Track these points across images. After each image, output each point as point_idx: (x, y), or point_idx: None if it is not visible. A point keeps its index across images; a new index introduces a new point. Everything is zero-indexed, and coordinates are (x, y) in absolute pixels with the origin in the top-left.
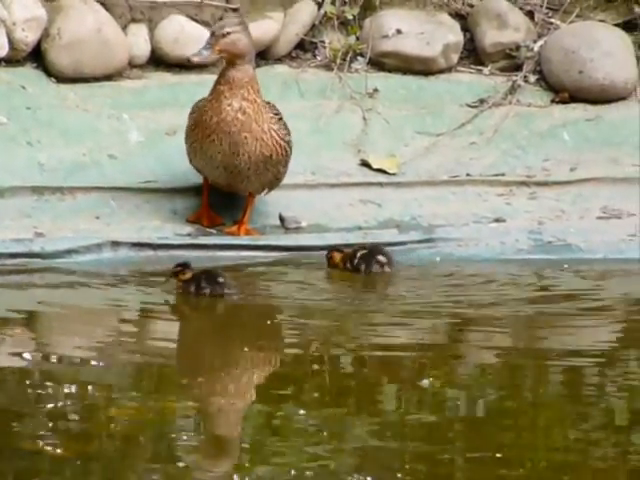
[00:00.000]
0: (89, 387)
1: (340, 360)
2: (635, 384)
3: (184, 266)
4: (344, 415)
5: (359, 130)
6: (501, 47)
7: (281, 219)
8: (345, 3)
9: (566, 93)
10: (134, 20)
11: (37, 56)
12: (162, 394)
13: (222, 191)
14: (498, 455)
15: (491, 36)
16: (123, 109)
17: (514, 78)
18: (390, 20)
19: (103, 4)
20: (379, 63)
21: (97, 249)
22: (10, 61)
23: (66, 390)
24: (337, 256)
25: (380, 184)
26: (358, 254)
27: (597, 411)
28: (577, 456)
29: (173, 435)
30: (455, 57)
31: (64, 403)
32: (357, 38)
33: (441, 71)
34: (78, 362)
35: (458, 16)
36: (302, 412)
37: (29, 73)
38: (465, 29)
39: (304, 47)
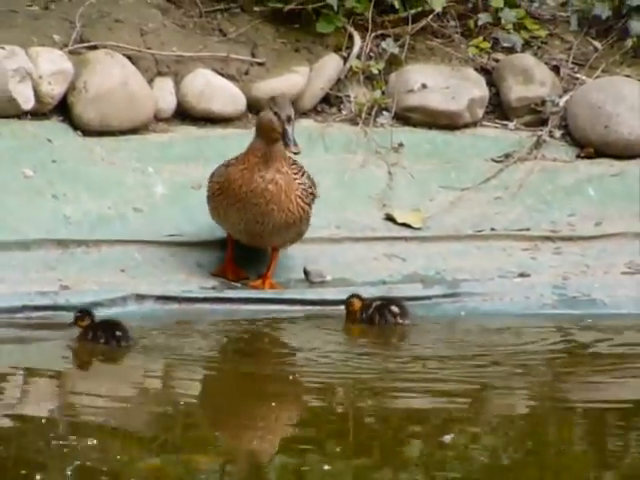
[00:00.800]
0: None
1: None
2: None
3: (83, 313)
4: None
5: (384, 184)
6: (527, 102)
7: (305, 273)
8: (371, 57)
9: (591, 148)
10: (160, 73)
11: (63, 109)
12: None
13: (246, 245)
14: None
15: (517, 91)
16: (149, 162)
17: (539, 133)
18: (415, 75)
19: (129, 57)
20: (404, 117)
21: (122, 302)
22: (36, 114)
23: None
24: (357, 303)
25: (405, 238)
26: (373, 304)
27: (623, 462)
28: None
29: None
30: (480, 112)
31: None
32: (382, 92)
33: (466, 125)
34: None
35: (484, 71)
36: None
37: (55, 126)
38: (491, 84)
39: (329, 101)
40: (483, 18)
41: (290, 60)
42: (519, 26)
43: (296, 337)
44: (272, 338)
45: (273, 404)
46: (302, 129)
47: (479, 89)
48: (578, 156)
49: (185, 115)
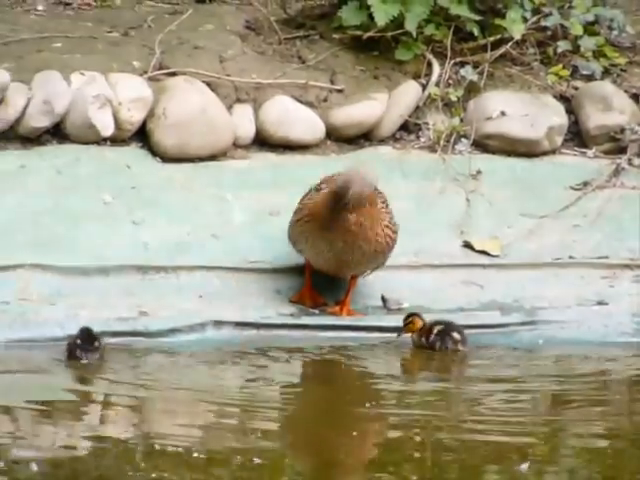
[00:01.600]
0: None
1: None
2: None
3: None
4: None
5: (462, 212)
6: (605, 130)
7: (383, 300)
8: (449, 85)
9: None
10: (239, 100)
11: (142, 136)
12: None
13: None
14: None
15: (595, 119)
16: (227, 189)
17: (618, 161)
18: (494, 102)
19: (208, 84)
20: (483, 145)
21: (200, 328)
22: (115, 140)
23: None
24: (418, 322)
25: (483, 266)
26: (435, 330)
27: None
28: None
29: None
30: (559, 139)
31: None
32: (461, 120)
33: (545, 153)
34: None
35: (562, 98)
36: None
37: (134, 153)
38: (569, 111)
39: (408, 128)
40: (562, 45)
41: (369, 87)
42: (598, 54)
43: (374, 364)
44: (349, 365)
45: (354, 434)
46: (380, 156)
47: (558, 117)
48: None
49: (263, 142)
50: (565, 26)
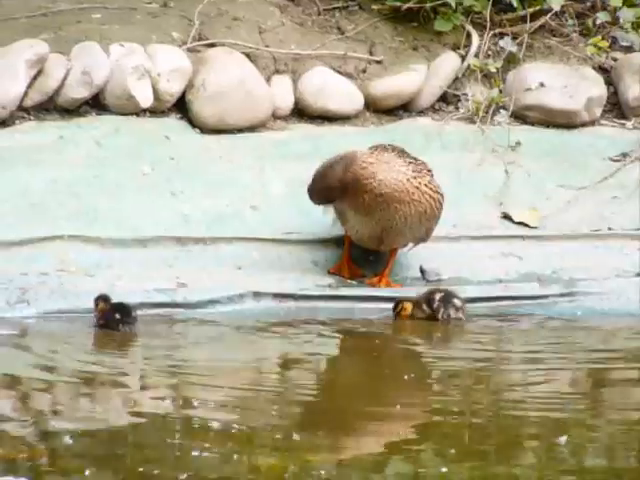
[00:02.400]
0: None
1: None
2: None
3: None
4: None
5: (501, 183)
6: None
7: (422, 271)
8: (489, 56)
9: None
10: (278, 71)
11: (181, 107)
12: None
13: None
14: None
15: (634, 90)
16: (266, 160)
17: None
18: (533, 73)
19: (247, 55)
20: (522, 116)
21: (239, 299)
22: (154, 111)
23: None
24: (408, 306)
25: (521, 237)
26: (437, 297)
27: None
28: None
29: None
30: (598, 111)
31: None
32: (500, 91)
33: (584, 125)
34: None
35: (602, 70)
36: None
37: (173, 124)
38: (608, 83)
39: (447, 100)
40: (601, 17)
41: (408, 58)
42: (637, 25)
43: (412, 335)
44: (387, 336)
45: (397, 407)
46: (419, 127)
47: (597, 88)
48: None
49: (302, 113)
50: None
